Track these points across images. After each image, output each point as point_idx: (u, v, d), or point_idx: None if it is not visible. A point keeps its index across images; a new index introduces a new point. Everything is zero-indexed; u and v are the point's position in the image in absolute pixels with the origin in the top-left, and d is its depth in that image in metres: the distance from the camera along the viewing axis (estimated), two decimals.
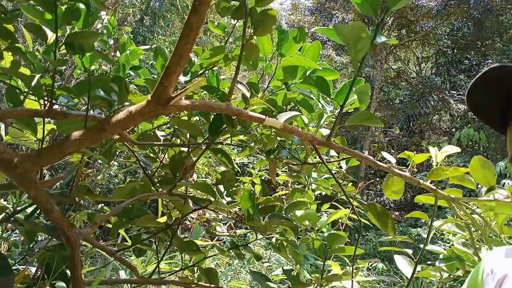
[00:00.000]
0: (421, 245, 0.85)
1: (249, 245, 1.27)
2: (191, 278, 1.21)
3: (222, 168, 2.20)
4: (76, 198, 1.05)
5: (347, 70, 14.69)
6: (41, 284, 0.95)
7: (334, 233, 1.05)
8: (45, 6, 0.75)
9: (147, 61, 7.51)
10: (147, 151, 1.17)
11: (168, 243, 1.12)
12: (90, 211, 1.14)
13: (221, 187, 1.06)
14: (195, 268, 1.20)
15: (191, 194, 1.29)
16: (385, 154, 0.97)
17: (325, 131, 1.13)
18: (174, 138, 1.23)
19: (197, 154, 1.08)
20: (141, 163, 1.08)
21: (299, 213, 1.12)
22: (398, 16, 13.62)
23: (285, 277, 1.24)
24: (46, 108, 0.80)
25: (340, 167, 1.27)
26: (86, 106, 0.81)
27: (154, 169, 1.12)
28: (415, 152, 0.96)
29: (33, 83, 0.78)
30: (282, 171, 1.81)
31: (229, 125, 0.94)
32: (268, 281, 1.07)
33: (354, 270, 1.05)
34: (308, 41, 1.03)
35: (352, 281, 1.07)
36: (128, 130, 1.00)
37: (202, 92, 1.16)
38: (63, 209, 1.10)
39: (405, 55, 16.55)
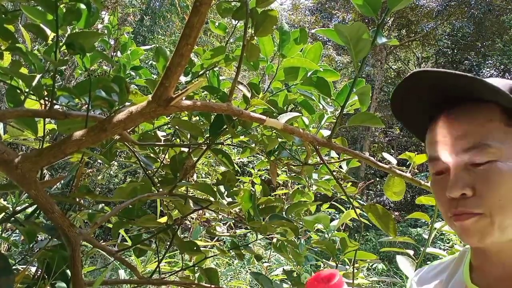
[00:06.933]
0: (422, 246, 0.85)
1: (249, 245, 1.27)
2: (192, 278, 1.21)
3: (222, 168, 2.20)
4: (76, 198, 1.05)
5: (347, 70, 14.68)
6: (41, 284, 0.95)
7: (347, 239, 1.04)
8: (46, 6, 0.75)
9: (147, 61, 7.51)
10: (148, 151, 1.17)
11: (169, 243, 1.12)
12: (90, 211, 1.13)
13: (222, 188, 1.06)
14: (195, 268, 1.20)
15: (191, 194, 1.29)
16: (385, 154, 0.97)
17: (326, 132, 1.13)
18: (174, 139, 1.23)
19: (198, 154, 1.08)
20: (142, 163, 1.08)
21: (309, 218, 1.10)
22: (398, 16, 13.61)
23: (285, 277, 1.24)
24: (47, 108, 0.80)
25: (341, 167, 1.27)
26: (86, 106, 0.81)
27: (154, 169, 1.12)
28: (415, 152, 0.96)
29: (33, 83, 0.78)
30: (282, 171, 1.81)
31: (230, 126, 0.94)
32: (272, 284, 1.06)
33: (354, 271, 1.05)
34: (308, 41, 1.03)
35: (353, 282, 1.06)
36: (128, 131, 1.00)
37: (203, 92, 1.16)
38: (63, 209, 1.10)
39: (405, 55, 16.55)
